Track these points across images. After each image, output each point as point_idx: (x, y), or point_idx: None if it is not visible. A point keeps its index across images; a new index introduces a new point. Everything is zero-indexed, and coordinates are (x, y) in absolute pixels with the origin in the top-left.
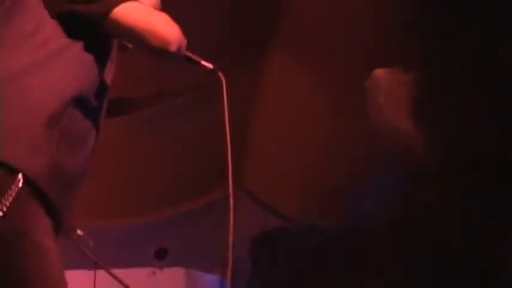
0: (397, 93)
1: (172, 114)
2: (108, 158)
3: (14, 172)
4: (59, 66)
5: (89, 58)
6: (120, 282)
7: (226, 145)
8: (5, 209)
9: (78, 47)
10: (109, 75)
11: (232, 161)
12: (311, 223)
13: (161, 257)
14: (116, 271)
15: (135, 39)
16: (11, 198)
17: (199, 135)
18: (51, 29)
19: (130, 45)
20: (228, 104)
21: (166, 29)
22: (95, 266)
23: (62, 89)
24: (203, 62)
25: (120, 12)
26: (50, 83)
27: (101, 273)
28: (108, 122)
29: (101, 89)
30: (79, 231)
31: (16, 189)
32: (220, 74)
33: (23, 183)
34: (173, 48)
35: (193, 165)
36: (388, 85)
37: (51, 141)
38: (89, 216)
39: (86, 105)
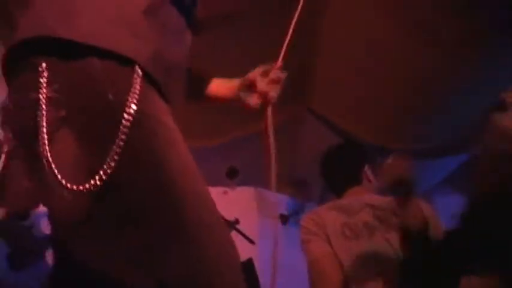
0: None
1: (239, 33)
2: None
3: (124, 61)
4: None
5: None
6: None
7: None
8: (135, 101)
9: None
10: None
11: (302, 81)
12: (378, 144)
13: (232, 177)
14: None
15: None
16: (138, 87)
17: (267, 55)
18: None
19: None
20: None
21: None
22: None
23: None
24: None
25: None
26: None
27: None
28: None
29: None
30: None
31: (138, 79)
32: None
33: (139, 72)
34: None
35: None
36: None
37: (152, 30)
38: None
39: (180, 2)
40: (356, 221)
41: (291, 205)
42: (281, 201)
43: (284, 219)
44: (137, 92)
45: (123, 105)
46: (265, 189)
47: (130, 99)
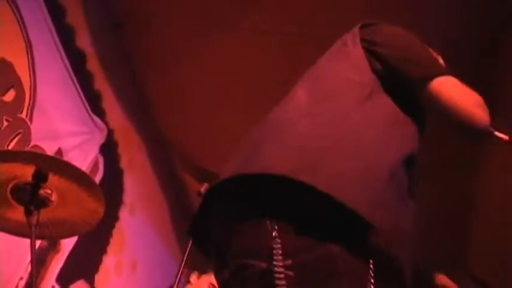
0: None
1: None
2: None
3: (360, 251)
4: (388, 122)
5: (411, 121)
6: None
7: None
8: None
9: (396, 106)
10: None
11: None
12: None
13: None
14: None
15: (445, 112)
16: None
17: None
18: (373, 82)
19: None
20: None
21: (477, 110)
22: None
23: (396, 146)
24: (501, 135)
25: (439, 83)
26: (384, 138)
27: None
28: None
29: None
30: None
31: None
32: None
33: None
34: (479, 127)
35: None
36: None
37: (390, 196)
38: None
39: (411, 166)
40: None
41: None
42: None
43: None
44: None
45: None
46: None
47: None
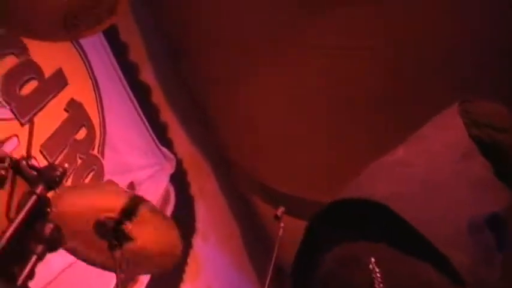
0: None
1: None
2: None
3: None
4: (477, 182)
5: (503, 186)
6: None
7: None
8: None
9: (490, 170)
10: None
11: None
12: None
13: None
14: None
15: None
16: None
17: None
18: (468, 145)
19: None
20: None
21: None
22: None
23: (482, 204)
24: None
25: None
26: (470, 196)
27: None
28: None
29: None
30: None
31: None
32: None
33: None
34: None
35: None
36: None
37: (469, 245)
38: None
39: (500, 226)
40: None
41: None
42: None
43: None
44: None
45: None
46: None
47: None
